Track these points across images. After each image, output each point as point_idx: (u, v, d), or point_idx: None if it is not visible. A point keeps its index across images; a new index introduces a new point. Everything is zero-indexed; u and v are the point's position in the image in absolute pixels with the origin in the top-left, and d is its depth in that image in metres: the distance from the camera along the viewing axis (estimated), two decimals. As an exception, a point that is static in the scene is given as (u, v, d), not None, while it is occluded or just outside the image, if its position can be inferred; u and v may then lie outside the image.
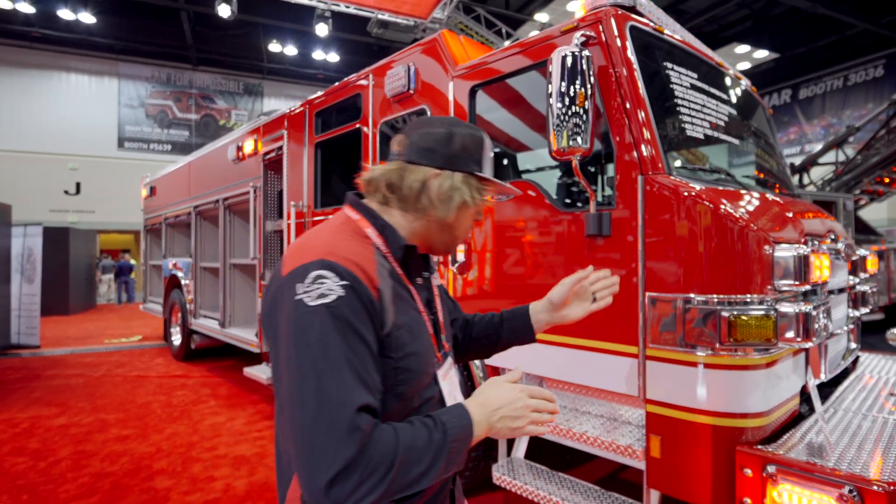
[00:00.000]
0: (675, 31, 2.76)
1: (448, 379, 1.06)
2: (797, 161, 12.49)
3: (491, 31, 13.89)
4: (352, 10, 10.95)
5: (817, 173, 11.78)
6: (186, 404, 5.01)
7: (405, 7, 10.78)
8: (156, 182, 8.37)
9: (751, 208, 2.07)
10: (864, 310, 3.01)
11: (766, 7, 17.93)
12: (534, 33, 2.68)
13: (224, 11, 10.12)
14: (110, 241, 21.32)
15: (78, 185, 18.91)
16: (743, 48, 19.53)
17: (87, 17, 16.42)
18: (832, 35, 18.69)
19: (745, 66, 21.44)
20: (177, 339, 7.24)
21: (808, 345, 1.91)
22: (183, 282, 6.82)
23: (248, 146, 5.22)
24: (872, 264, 3.19)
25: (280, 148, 4.67)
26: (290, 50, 18.95)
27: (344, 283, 0.83)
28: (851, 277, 3.00)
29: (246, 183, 5.28)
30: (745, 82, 3.27)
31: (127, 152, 20.04)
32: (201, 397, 5.26)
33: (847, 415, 2.21)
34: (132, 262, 16.89)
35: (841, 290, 2.83)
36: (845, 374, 2.93)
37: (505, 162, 3.27)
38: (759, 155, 3.22)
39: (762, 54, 20.14)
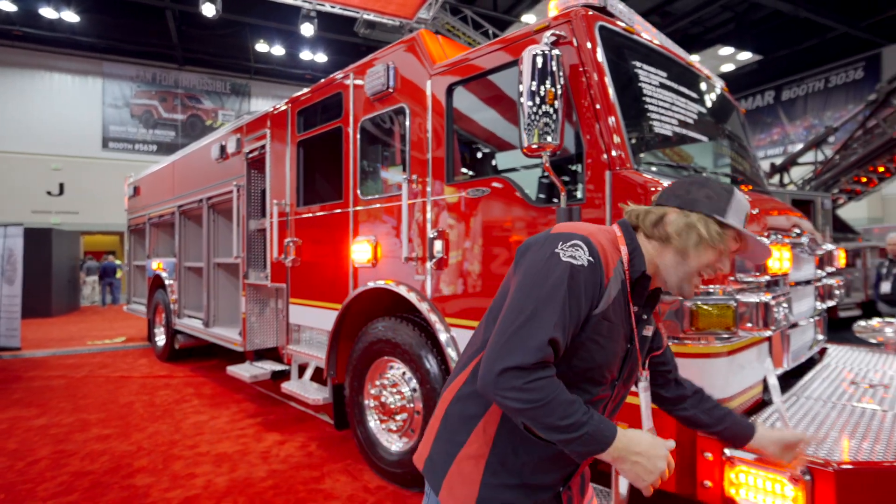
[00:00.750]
0: (647, 31, 2.84)
1: (644, 394, 1.27)
2: (779, 161, 12.73)
3: (478, 32, 13.97)
4: (337, 10, 10.96)
5: (798, 173, 12.01)
6: (169, 403, 4.99)
7: (390, 7, 10.82)
8: (139, 182, 8.31)
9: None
10: (831, 302, 3.11)
11: (749, 10, 18.24)
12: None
13: (208, 11, 10.07)
14: (94, 242, 21.06)
15: (61, 185, 18.66)
16: (727, 50, 19.81)
17: (71, 16, 16.23)
18: (813, 38, 19.05)
19: (729, 67, 21.74)
20: (161, 339, 7.20)
21: (767, 333, 1.99)
22: (167, 282, 6.79)
23: (232, 145, 5.21)
24: (840, 259, 3.29)
25: (263, 147, 4.68)
26: (278, 50, 18.87)
27: (591, 259, 1.06)
28: (819, 271, 3.10)
29: (229, 182, 5.27)
30: (717, 84, 3.36)
31: (111, 153, 19.81)
32: (184, 397, 5.25)
33: (808, 402, 2.28)
34: (117, 263, 16.69)
35: (808, 283, 2.92)
36: (812, 363, 3.02)
37: (479, 156, 3.32)
38: (730, 153, 3.31)
39: (746, 56, 20.44)
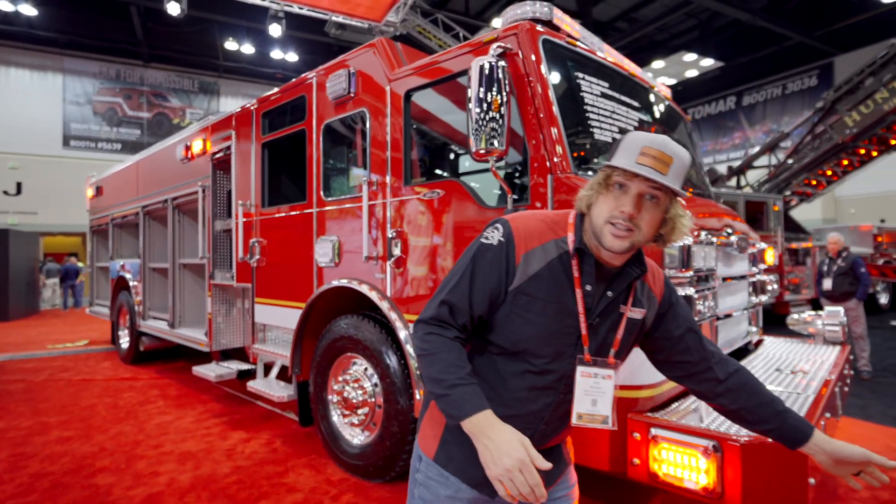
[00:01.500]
0: (593, 45, 3.02)
1: (588, 380, 1.19)
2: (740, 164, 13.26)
3: (449, 35, 14.12)
4: (305, 12, 10.94)
5: (754, 175, 12.58)
6: (133, 405, 4.96)
7: (359, 10, 10.87)
8: (102, 182, 8.15)
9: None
10: (763, 297, 3.36)
11: (711, 18, 18.93)
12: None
13: (173, 10, 9.93)
14: (55, 243, 20.35)
15: (19, 185, 17.99)
16: (690, 56, 20.53)
17: (29, 9, 15.68)
18: (772, 46, 19.92)
19: (693, 73, 22.54)
20: (125, 341, 7.09)
21: (691, 324, 2.17)
22: (131, 283, 6.70)
23: (197, 146, 5.21)
24: (771, 257, 3.55)
25: (229, 148, 4.70)
26: (248, 48, 18.63)
27: (502, 238, 1.17)
28: (754, 268, 3.34)
29: (195, 182, 5.27)
30: (661, 92, 3.57)
31: (73, 151, 19.20)
32: (149, 398, 5.22)
33: (733, 387, 2.49)
34: (80, 265, 16.19)
35: (742, 278, 3.16)
36: (747, 352, 3.26)
37: (436, 159, 3.45)
38: (674, 157, 3.52)
39: (708, 62, 21.23)
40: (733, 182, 12.30)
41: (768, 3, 17.22)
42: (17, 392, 5.54)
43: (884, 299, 11.76)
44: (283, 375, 4.23)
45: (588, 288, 1.16)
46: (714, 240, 2.51)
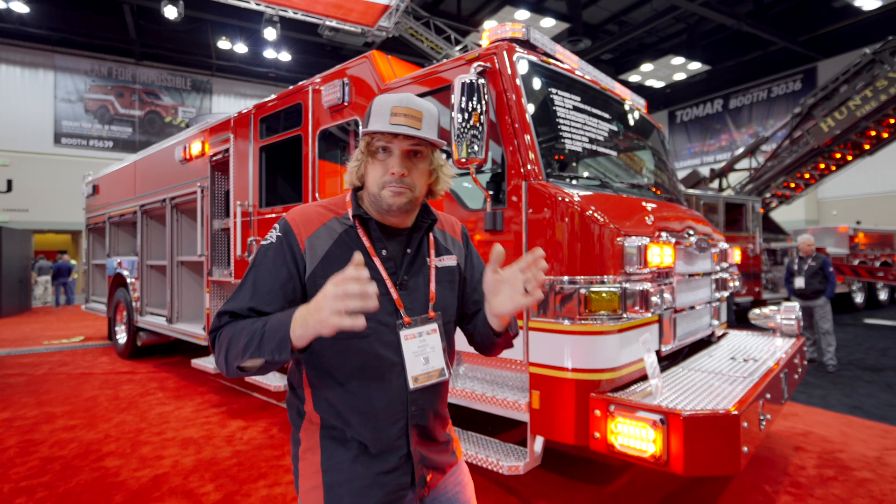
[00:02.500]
0: (571, 59, 3.29)
1: (414, 341, 1.17)
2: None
3: (441, 38, 14.36)
4: (300, 17, 11.14)
5: (735, 178, 12.96)
6: (134, 397, 5.17)
7: (352, 15, 11.09)
8: (99, 181, 8.31)
9: (612, 209, 2.60)
10: (724, 293, 3.65)
11: (699, 22, 19.32)
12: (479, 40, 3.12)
13: (170, 13, 10.08)
14: (46, 241, 20.34)
15: (9, 182, 17.93)
16: (678, 60, 20.96)
17: (20, 6, 15.70)
18: (757, 50, 20.39)
19: (681, 76, 22.99)
20: (122, 337, 7.27)
21: (647, 315, 2.45)
22: (129, 280, 6.88)
23: (196, 148, 5.42)
24: (732, 256, 3.84)
25: (227, 150, 4.92)
26: (241, 47, 18.72)
27: (280, 234, 1.16)
28: (717, 266, 3.63)
29: (193, 183, 5.48)
30: (634, 104, 3.84)
31: (64, 148, 19.21)
32: (149, 390, 5.42)
33: (686, 371, 2.78)
34: (72, 262, 16.24)
35: (707, 275, 3.44)
36: (709, 343, 3.55)
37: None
38: (645, 165, 3.81)
39: (696, 66, 21.68)
40: (716, 184, 12.67)
41: (753, 8, 17.65)
42: (18, 385, 5.71)
43: (859, 298, 12.20)
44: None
45: (384, 252, 1.18)
46: (673, 240, 2.79)
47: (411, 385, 1.15)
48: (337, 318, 0.88)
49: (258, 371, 1.07)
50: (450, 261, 1.29)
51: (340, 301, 0.88)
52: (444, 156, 1.24)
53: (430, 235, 1.28)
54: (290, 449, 1.28)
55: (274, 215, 4.34)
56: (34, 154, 18.48)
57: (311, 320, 0.93)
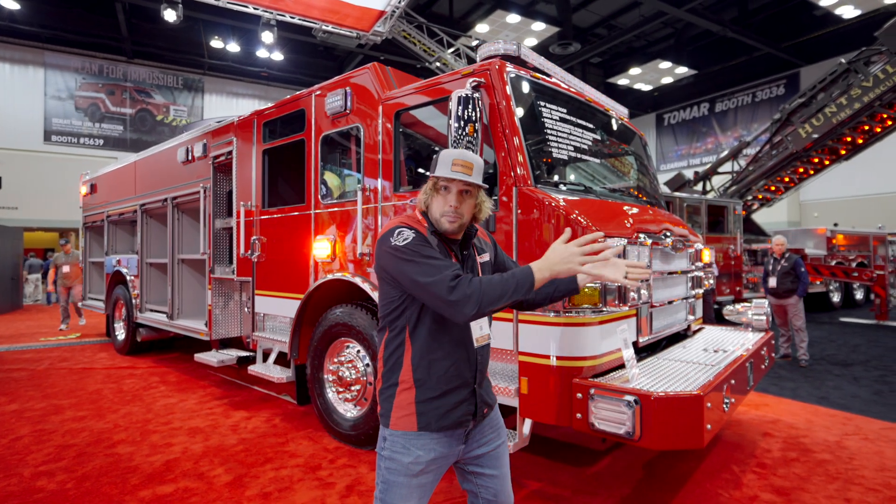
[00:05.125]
0: (561, 75, 3.55)
1: None
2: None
3: (433, 41, 14.60)
4: (297, 21, 11.30)
5: (719, 181, 13.36)
6: (137, 390, 5.34)
7: (348, 20, 11.29)
8: (97, 180, 8.42)
9: (594, 212, 2.86)
10: (699, 290, 3.94)
11: (686, 28, 19.77)
12: (474, 43, 3.36)
13: (170, 16, 10.20)
14: (37, 239, 20.23)
15: (-1, 179, 17.88)
16: (666, 64, 21.41)
17: (10, 3, 15.66)
18: (742, 56, 20.89)
19: (668, 80, 23.46)
20: (121, 333, 7.41)
21: (625, 309, 2.71)
22: (128, 278, 7.03)
23: (198, 149, 5.61)
24: (707, 256, 4.13)
25: (229, 152, 5.12)
26: (233, 47, 18.79)
27: (411, 233, 1.57)
28: (693, 265, 3.91)
29: (196, 183, 5.66)
30: (617, 114, 4.11)
31: (54, 146, 19.14)
32: (151, 384, 5.60)
33: (663, 361, 3.05)
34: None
35: (683, 273, 3.72)
36: (684, 336, 3.84)
37: (421, 170, 3.94)
38: (627, 172, 4.09)
39: (682, 70, 22.15)
40: (699, 187, 13.05)
41: (739, 15, 18.13)
42: (22, 379, 5.85)
43: (836, 297, 12.65)
44: (280, 361, 4.68)
45: (455, 252, 1.70)
46: (650, 241, 3.05)
47: (476, 344, 1.67)
48: (590, 266, 1.51)
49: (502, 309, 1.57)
50: (487, 257, 1.81)
51: (578, 256, 1.50)
52: (485, 193, 1.71)
53: (474, 242, 1.76)
54: (380, 392, 1.72)
55: (275, 216, 4.55)
56: (24, 151, 18.39)
57: (559, 268, 1.51)
